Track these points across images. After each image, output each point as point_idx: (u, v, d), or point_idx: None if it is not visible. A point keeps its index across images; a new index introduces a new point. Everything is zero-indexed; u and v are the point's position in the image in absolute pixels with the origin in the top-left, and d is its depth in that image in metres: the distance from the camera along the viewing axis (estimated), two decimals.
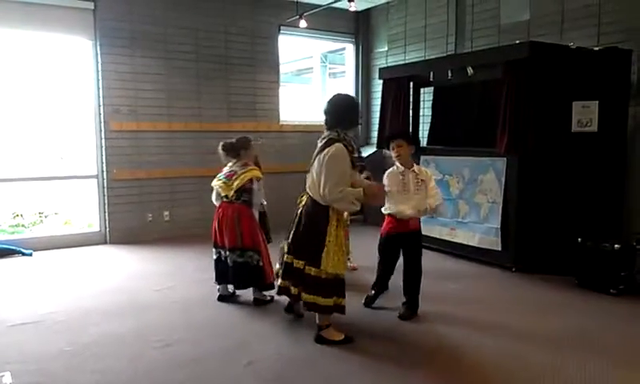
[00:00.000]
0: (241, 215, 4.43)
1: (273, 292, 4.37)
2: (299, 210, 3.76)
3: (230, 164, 4.58)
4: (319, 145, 3.64)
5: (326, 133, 3.66)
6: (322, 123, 3.73)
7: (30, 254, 6.37)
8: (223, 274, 4.56)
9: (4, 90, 6.74)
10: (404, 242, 4.23)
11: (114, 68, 6.86)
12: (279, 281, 3.92)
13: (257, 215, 4.60)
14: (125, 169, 7.02)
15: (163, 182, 7.30)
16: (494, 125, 5.53)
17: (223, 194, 4.51)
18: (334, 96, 3.77)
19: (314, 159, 3.63)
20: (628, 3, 5.39)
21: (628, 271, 4.73)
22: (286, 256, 3.84)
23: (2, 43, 6.57)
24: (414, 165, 4.22)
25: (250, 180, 4.43)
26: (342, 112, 3.64)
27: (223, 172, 4.59)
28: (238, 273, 4.44)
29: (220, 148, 4.57)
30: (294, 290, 3.74)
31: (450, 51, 7.25)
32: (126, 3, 6.87)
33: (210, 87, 7.57)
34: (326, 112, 3.68)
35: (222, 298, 4.64)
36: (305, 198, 3.75)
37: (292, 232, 3.78)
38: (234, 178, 4.46)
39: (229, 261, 4.45)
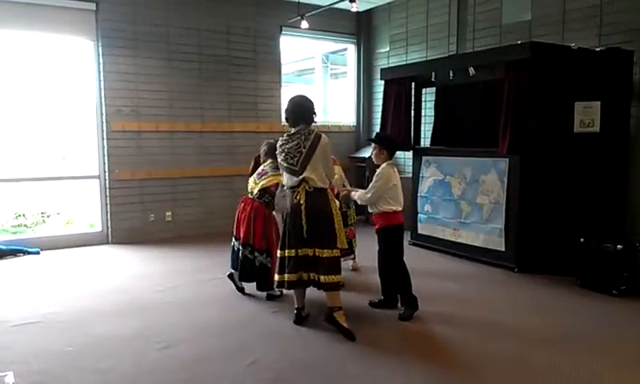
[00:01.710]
0: (257, 214, 4.57)
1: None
2: (301, 207, 3.80)
3: (265, 163, 4.70)
4: (305, 141, 3.83)
5: (295, 129, 3.93)
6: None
7: (38, 252, 6.42)
8: (233, 261, 4.77)
9: (5, 90, 6.75)
10: (378, 239, 4.35)
11: (116, 68, 6.87)
12: (286, 276, 3.95)
13: (279, 219, 4.72)
14: (126, 169, 7.03)
15: (165, 183, 7.31)
16: (495, 125, 5.53)
17: (250, 190, 4.67)
18: (295, 97, 4.06)
19: (310, 154, 3.81)
20: (630, 4, 5.39)
21: (630, 272, 4.73)
22: (293, 251, 3.89)
23: (4, 44, 6.58)
24: (383, 166, 4.27)
25: (276, 184, 4.54)
26: (306, 110, 3.98)
27: (257, 171, 4.74)
28: (243, 267, 4.60)
29: (265, 147, 4.71)
30: (313, 275, 3.87)
31: (452, 51, 7.25)
32: (127, 4, 6.88)
33: (212, 88, 7.57)
34: (292, 111, 3.98)
35: (231, 276, 4.79)
36: (302, 195, 3.82)
37: (303, 228, 3.81)
38: (263, 177, 4.61)
39: (240, 254, 4.60)
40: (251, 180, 4.73)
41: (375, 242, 4.38)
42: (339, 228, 3.90)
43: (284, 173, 4.01)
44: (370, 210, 4.42)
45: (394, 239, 4.29)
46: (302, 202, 3.81)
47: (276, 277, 4.03)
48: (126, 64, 6.92)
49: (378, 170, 4.27)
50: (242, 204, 4.70)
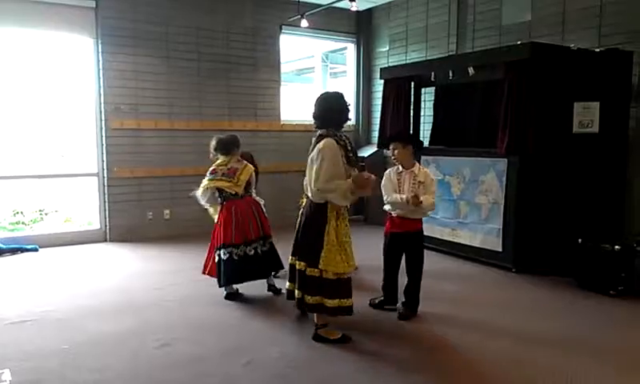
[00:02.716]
0: (255, 206, 4.64)
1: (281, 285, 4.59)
2: (299, 212, 3.80)
3: (219, 160, 4.61)
4: (312, 149, 3.67)
5: (319, 131, 3.71)
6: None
7: (36, 249, 6.43)
8: (240, 272, 4.51)
9: (5, 87, 6.74)
10: (405, 243, 4.23)
11: (115, 66, 6.86)
12: (287, 284, 3.93)
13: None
14: (125, 167, 7.02)
15: (163, 181, 7.30)
16: (495, 125, 5.53)
17: (233, 192, 4.54)
18: (320, 97, 3.76)
19: (308, 160, 3.66)
20: (629, 5, 5.38)
21: (628, 272, 4.72)
22: (290, 258, 3.85)
23: (4, 41, 6.57)
24: (416, 165, 4.21)
25: (251, 173, 4.61)
26: (329, 112, 3.65)
27: (217, 172, 4.56)
28: (266, 261, 4.58)
29: (215, 143, 4.63)
30: (297, 293, 3.71)
31: (452, 51, 7.25)
32: (127, 1, 6.87)
33: (211, 86, 7.57)
34: (314, 115, 3.72)
35: (230, 296, 4.64)
36: (304, 200, 3.78)
37: (297, 233, 3.78)
38: (237, 174, 4.53)
39: (258, 251, 4.54)
40: (225, 186, 4.50)
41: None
42: (329, 250, 3.49)
43: None
44: (393, 212, 4.20)
45: (423, 241, 4.31)
46: (302, 206, 3.78)
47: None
48: (125, 62, 6.91)
49: (426, 174, 4.15)
50: (233, 207, 4.52)
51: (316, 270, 3.55)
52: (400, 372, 3.28)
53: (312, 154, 3.58)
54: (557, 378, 3.20)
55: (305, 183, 3.76)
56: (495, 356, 3.51)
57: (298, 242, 3.75)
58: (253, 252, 4.51)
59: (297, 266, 3.70)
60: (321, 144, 3.52)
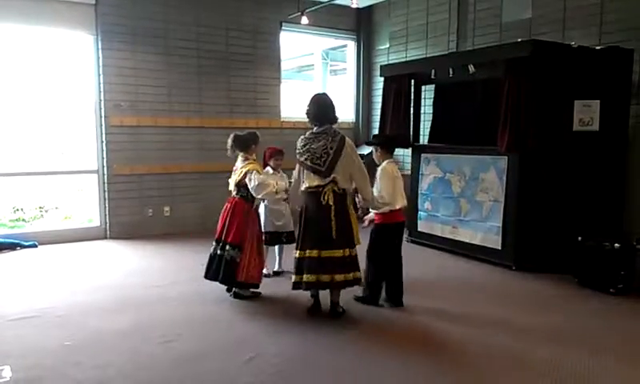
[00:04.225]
0: (235, 210, 4.47)
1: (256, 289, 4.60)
2: (331, 208, 3.84)
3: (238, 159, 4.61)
4: (331, 143, 3.85)
5: (319, 129, 3.95)
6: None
7: (35, 245, 6.43)
8: (206, 268, 4.58)
9: (5, 84, 6.73)
10: (370, 233, 4.42)
11: (115, 63, 6.86)
12: (304, 277, 3.92)
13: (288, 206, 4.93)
14: (125, 164, 7.02)
15: (163, 178, 7.30)
16: (495, 123, 5.53)
17: (231, 190, 4.58)
18: (319, 96, 4.15)
19: (336, 157, 3.82)
20: (630, 3, 5.38)
21: (628, 270, 4.73)
22: (315, 252, 3.87)
23: (3, 38, 6.56)
24: (383, 165, 4.29)
25: (245, 174, 4.41)
26: (332, 110, 4.04)
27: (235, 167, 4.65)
28: (216, 266, 4.46)
29: (231, 140, 4.53)
30: (326, 277, 3.86)
31: (452, 49, 7.25)
32: None
33: (211, 83, 7.56)
34: (316, 111, 4.00)
35: (229, 291, 4.64)
36: (331, 196, 3.85)
37: (332, 229, 3.85)
38: (235, 173, 4.53)
39: (211, 252, 4.52)
40: (230, 180, 4.60)
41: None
42: (355, 225, 4.11)
43: (305, 171, 3.94)
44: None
45: (383, 237, 4.27)
46: (331, 202, 3.85)
47: (293, 277, 3.99)
48: (124, 59, 6.91)
49: (380, 171, 4.27)
50: (227, 204, 4.56)
51: (354, 250, 3.97)
52: (401, 367, 3.29)
53: (347, 152, 3.86)
54: (555, 374, 3.21)
55: (335, 178, 3.85)
56: (495, 352, 3.52)
57: (338, 233, 3.85)
58: (212, 252, 4.50)
59: (345, 254, 3.87)
60: (352, 144, 3.97)
